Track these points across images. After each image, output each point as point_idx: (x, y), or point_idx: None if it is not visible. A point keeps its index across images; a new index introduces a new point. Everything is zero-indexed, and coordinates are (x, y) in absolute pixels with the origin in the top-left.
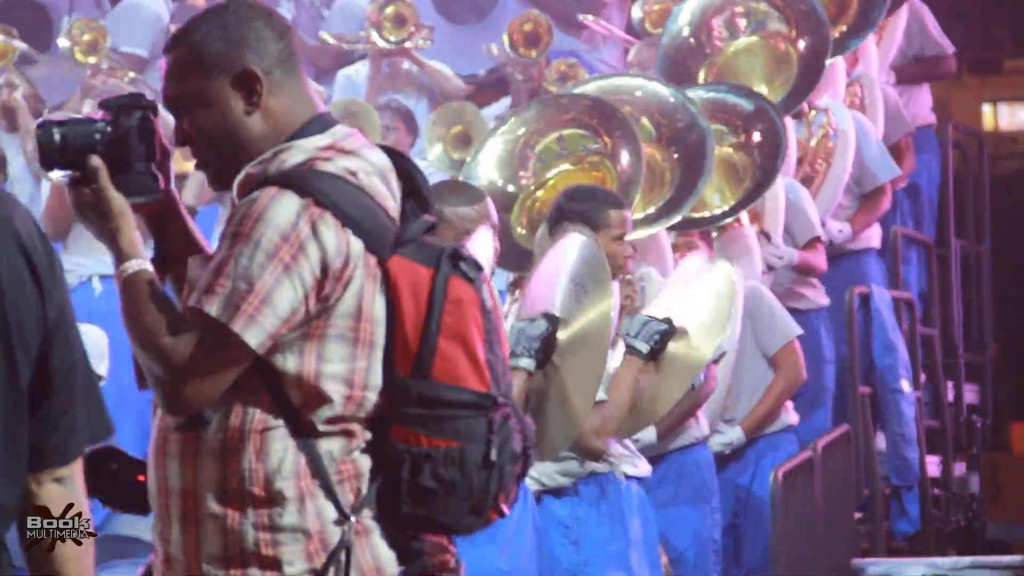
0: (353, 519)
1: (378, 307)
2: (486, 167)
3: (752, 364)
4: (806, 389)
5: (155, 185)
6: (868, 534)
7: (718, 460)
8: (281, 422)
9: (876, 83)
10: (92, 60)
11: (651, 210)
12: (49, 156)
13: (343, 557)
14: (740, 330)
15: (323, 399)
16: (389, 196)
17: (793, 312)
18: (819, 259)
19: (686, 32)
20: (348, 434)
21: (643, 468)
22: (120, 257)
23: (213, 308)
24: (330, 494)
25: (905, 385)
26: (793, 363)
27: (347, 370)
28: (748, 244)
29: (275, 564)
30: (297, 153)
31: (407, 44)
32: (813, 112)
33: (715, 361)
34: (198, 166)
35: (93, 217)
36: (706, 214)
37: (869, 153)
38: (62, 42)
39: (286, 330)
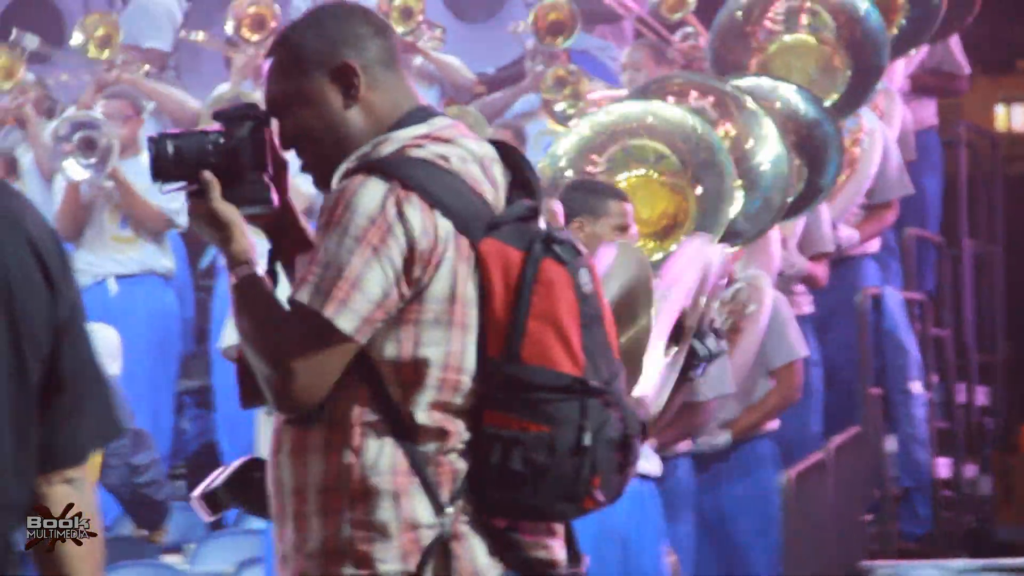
0: (450, 510)
1: (470, 289)
2: (568, 141)
3: (752, 371)
4: None
5: (268, 195)
6: (878, 535)
7: (700, 457)
8: (379, 417)
9: (897, 99)
10: (106, 55)
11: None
12: (163, 169)
13: (438, 559)
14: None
15: (420, 384)
16: (486, 182)
17: None
18: (823, 272)
19: (740, 7)
20: (444, 433)
21: (642, 465)
22: (231, 263)
23: (305, 296)
24: (426, 492)
25: (916, 386)
26: (793, 381)
27: (443, 353)
28: (771, 251)
29: (368, 562)
30: (393, 143)
31: (418, 42)
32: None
33: (720, 397)
34: (304, 169)
35: (206, 227)
36: None
37: (888, 166)
38: (76, 36)
39: (382, 315)
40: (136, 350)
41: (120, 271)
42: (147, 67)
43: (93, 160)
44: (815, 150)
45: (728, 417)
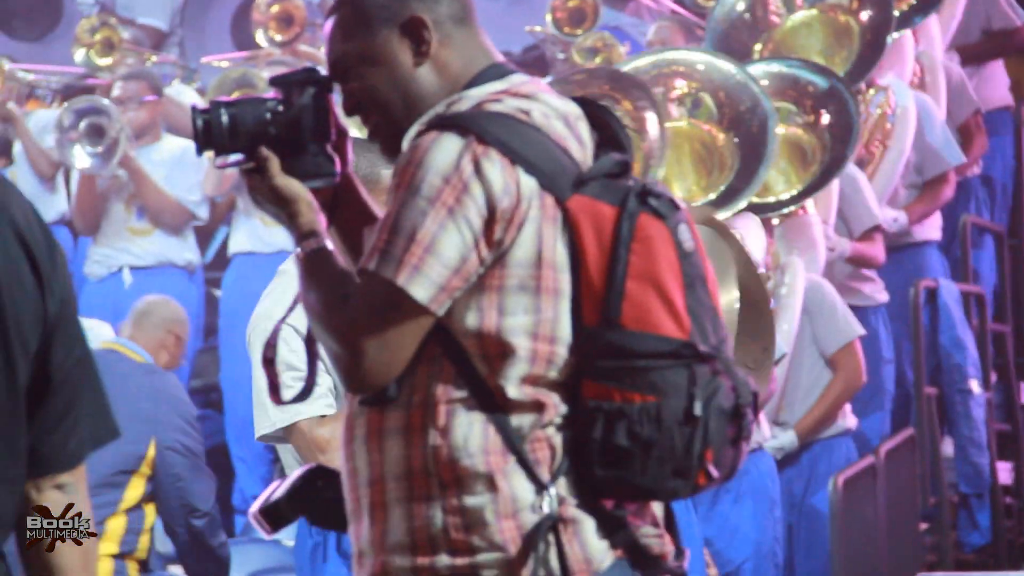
0: (552, 490)
1: (560, 252)
2: None
3: (809, 363)
4: (863, 390)
5: (331, 167)
6: (935, 546)
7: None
8: (466, 393)
9: (938, 61)
10: (109, 61)
11: (711, 196)
12: (216, 140)
13: (545, 545)
14: (798, 326)
15: (508, 357)
16: (572, 139)
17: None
18: (876, 250)
19: (741, 7)
20: (539, 406)
21: None
22: (298, 237)
23: (373, 264)
24: (524, 472)
25: (974, 386)
26: (853, 365)
27: (531, 322)
28: (812, 235)
29: (467, 549)
30: (469, 101)
31: None
32: (872, 90)
33: (776, 362)
34: (371, 136)
35: (268, 204)
36: (770, 199)
37: (932, 137)
38: (78, 55)
39: (460, 282)
40: None
41: (135, 263)
42: (154, 58)
43: (100, 148)
44: (833, 117)
45: (791, 418)
